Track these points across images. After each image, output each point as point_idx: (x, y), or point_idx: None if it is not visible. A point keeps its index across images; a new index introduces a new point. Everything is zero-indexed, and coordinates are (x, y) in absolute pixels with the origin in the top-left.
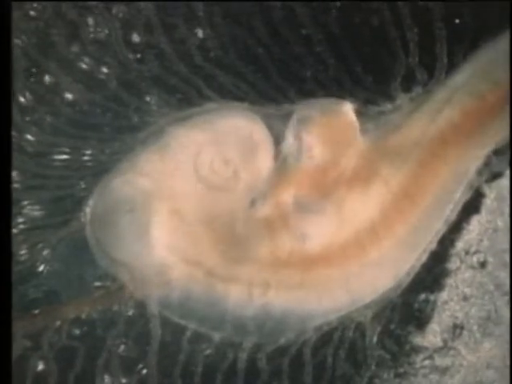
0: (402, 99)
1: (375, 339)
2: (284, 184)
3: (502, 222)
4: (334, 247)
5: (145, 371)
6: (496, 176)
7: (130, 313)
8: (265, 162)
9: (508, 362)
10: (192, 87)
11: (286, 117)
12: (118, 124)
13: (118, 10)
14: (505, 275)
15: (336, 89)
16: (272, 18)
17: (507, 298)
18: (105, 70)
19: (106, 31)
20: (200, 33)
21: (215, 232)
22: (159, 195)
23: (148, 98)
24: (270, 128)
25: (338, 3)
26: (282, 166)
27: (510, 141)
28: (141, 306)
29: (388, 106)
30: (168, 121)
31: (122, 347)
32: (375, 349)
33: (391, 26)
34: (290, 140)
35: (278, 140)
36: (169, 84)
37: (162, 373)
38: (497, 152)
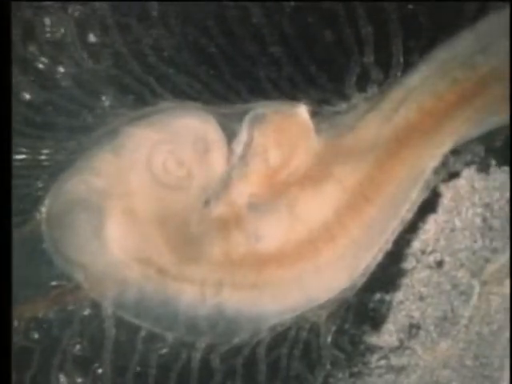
0: (357, 99)
1: (330, 339)
2: (237, 184)
3: (459, 222)
4: (288, 247)
5: (100, 371)
6: (453, 176)
7: (86, 312)
8: (218, 161)
9: (465, 362)
10: (146, 87)
11: (240, 116)
12: (74, 124)
13: (74, 9)
14: (461, 275)
15: (290, 89)
16: (225, 18)
17: (464, 297)
18: (61, 69)
19: (62, 31)
20: (154, 32)
21: (169, 231)
22: (113, 195)
23: (103, 98)
24: (223, 128)
25: (292, 3)
26: (236, 165)
27: (510, 140)
28: (96, 305)
29: (343, 106)
30: (122, 120)
31: (78, 347)
32: (330, 349)
33: (346, 25)
34: (243, 140)
35: (231, 140)
36: (123, 84)
37: (116, 372)
38: (454, 152)
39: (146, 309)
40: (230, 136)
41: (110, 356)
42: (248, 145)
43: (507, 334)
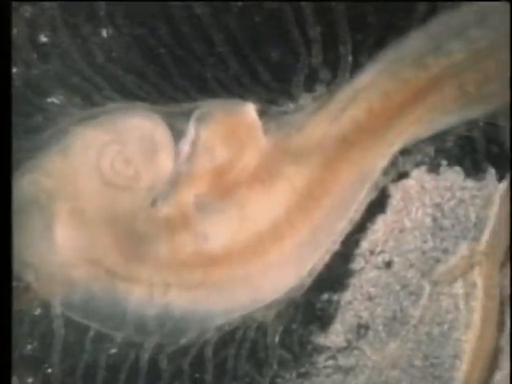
0: (305, 99)
1: (277, 339)
2: (184, 183)
3: (408, 222)
4: (236, 247)
5: (49, 371)
6: (402, 176)
7: (36, 312)
8: (166, 161)
9: (414, 362)
10: (94, 87)
11: (187, 116)
12: (24, 123)
13: (24, 9)
14: (411, 275)
15: (238, 88)
16: (173, 18)
17: (414, 297)
18: (12, 69)
19: (14, 31)
20: (103, 32)
21: (117, 232)
22: (62, 195)
23: (52, 98)
24: (171, 127)
25: (240, 3)
26: (183, 165)
27: (510, 140)
28: (46, 305)
29: (290, 106)
30: (71, 121)
31: (29, 347)
32: (277, 349)
33: (294, 25)
34: (190, 139)
35: (179, 139)
36: (72, 84)
37: (65, 372)
38: (404, 152)
39: (95, 309)
40: (178, 135)
41: (60, 356)
42: (195, 144)
43: (457, 335)
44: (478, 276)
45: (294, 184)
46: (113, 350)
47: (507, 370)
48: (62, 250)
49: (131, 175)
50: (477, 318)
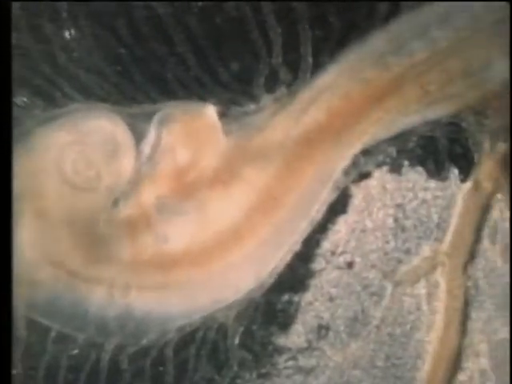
0: (266, 100)
1: (237, 340)
2: (146, 184)
3: (370, 223)
4: (197, 248)
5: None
6: (364, 176)
7: None
8: (127, 162)
9: (376, 363)
10: (57, 88)
11: (149, 117)
12: None
13: None
14: (372, 276)
15: (198, 89)
16: (134, 19)
17: (375, 298)
18: None
19: None
20: (65, 33)
21: (78, 232)
22: (25, 196)
23: (15, 99)
24: (132, 128)
25: (200, 3)
26: (144, 166)
27: (510, 140)
28: None
29: (251, 107)
30: (34, 122)
31: None
32: (237, 349)
33: (254, 26)
34: (151, 140)
35: (140, 140)
36: (35, 85)
37: (27, 373)
38: (365, 152)
39: (57, 310)
40: (139, 136)
41: (21, 357)
42: (156, 145)
43: (419, 335)
44: (440, 277)
45: (254, 185)
46: (74, 351)
47: (469, 372)
48: (25, 251)
49: (92, 176)
50: (439, 318)
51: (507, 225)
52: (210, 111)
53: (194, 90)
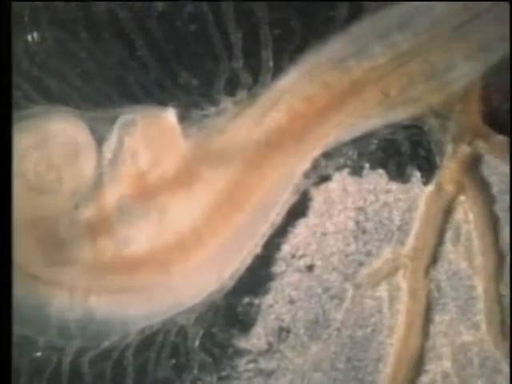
0: (226, 103)
1: (198, 342)
2: (107, 187)
3: (331, 226)
4: (158, 251)
5: None
6: (324, 179)
7: None
8: (88, 165)
9: (337, 365)
10: (19, 91)
11: (110, 121)
12: None
13: None
14: (333, 278)
15: (159, 93)
16: (95, 22)
17: (336, 301)
18: None
19: None
20: (27, 37)
21: (39, 235)
22: None
23: None
24: (93, 132)
25: (160, 7)
26: (105, 169)
27: (510, 142)
28: None
29: (212, 110)
30: None
31: None
32: (198, 352)
33: (214, 29)
34: (113, 143)
35: (101, 143)
36: None
37: None
38: (326, 155)
39: (18, 313)
40: (101, 140)
41: None
42: (118, 149)
43: (381, 338)
44: (402, 279)
45: (215, 188)
46: (36, 354)
47: (432, 375)
48: None
49: (54, 179)
50: (401, 321)
51: (470, 227)
52: (171, 115)
53: (155, 93)
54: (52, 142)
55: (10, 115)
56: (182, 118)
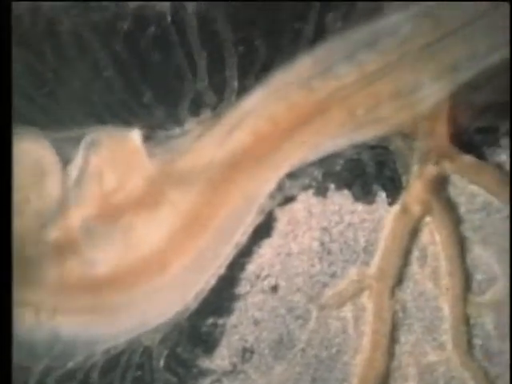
0: (191, 123)
1: (162, 363)
2: (73, 208)
3: (295, 246)
4: (123, 271)
5: None
6: (289, 200)
7: None
8: (54, 186)
9: None
10: None
11: (76, 141)
12: None
13: None
14: (297, 299)
15: (124, 113)
16: (60, 42)
17: (300, 321)
18: None
19: None
20: None
21: None
22: None
23: None
24: (59, 152)
25: (126, 27)
26: (71, 189)
27: (510, 144)
28: None
29: (176, 130)
30: None
31: None
32: (162, 372)
33: (179, 49)
34: (78, 164)
35: (67, 164)
36: None
37: None
38: (290, 175)
39: None
40: (66, 160)
41: None
42: (83, 169)
43: (346, 358)
44: (367, 300)
45: (179, 208)
46: None
47: None
48: None
49: (20, 200)
50: (366, 341)
51: (437, 248)
52: (136, 135)
53: (120, 113)
54: (18, 162)
55: (10, 121)
56: (147, 139)
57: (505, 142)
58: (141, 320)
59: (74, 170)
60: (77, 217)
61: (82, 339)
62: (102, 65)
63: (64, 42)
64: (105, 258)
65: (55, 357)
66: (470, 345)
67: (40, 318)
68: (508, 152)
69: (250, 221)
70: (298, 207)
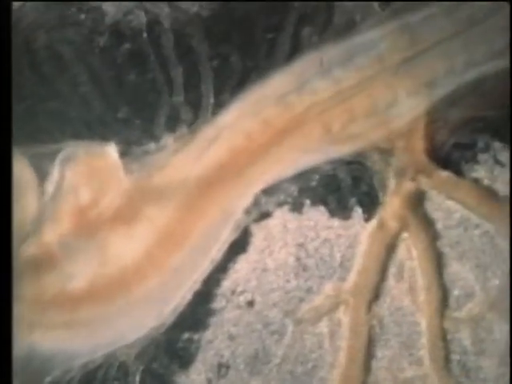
0: (167, 139)
1: (138, 378)
2: (49, 223)
3: (271, 262)
4: (100, 286)
5: None
6: (265, 215)
7: None
8: (31, 201)
9: None
10: None
11: (52, 157)
12: None
13: None
14: (273, 314)
15: (101, 129)
16: (36, 57)
17: (276, 336)
18: None
19: None
20: None
21: None
22: None
23: None
24: (35, 167)
25: (102, 42)
26: (48, 205)
27: (510, 147)
28: None
29: (152, 146)
30: None
31: None
32: None
33: (155, 64)
34: (55, 179)
35: (43, 180)
36: None
37: None
38: (266, 191)
39: None
40: (43, 176)
41: None
42: (59, 184)
43: (322, 373)
44: (343, 315)
45: (155, 223)
46: None
47: None
48: None
49: None
50: (342, 356)
51: (414, 263)
52: (112, 150)
53: (97, 129)
54: None
55: (10, 123)
56: (124, 154)
57: (482, 157)
58: (117, 335)
59: (50, 185)
60: (54, 232)
61: (59, 354)
62: (79, 80)
63: (41, 58)
64: (82, 273)
65: (33, 372)
66: (447, 360)
67: (18, 334)
68: (485, 167)
69: (226, 236)
70: (273, 223)
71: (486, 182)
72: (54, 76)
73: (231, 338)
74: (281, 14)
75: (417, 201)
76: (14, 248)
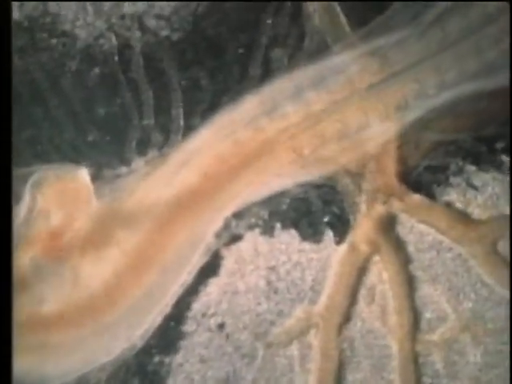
0: (138, 162)
1: None
2: (21, 247)
3: (241, 285)
4: (70, 310)
5: None
6: (235, 239)
7: None
8: None
9: None
10: None
11: (23, 180)
12: None
13: None
14: (244, 337)
15: (72, 152)
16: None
17: (247, 359)
18: None
19: None
20: None
21: None
22: None
23: None
24: None
25: (74, 66)
26: (20, 228)
27: (510, 150)
28: None
29: (123, 170)
30: None
31: None
32: None
33: (126, 88)
34: (26, 203)
35: (16, 203)
36: None
37: None
38: (237, 215)
39: None
40: (15, 199)
41: None
42: (31, 208)
43: None
44: (314, 338)
45: (126, 247)
46: None
47: None
48: None
49: None
50: (313, 379)
51: (385, 287)
52: (83, 174)
53: (68, 152)
54: None
55: (10, 126)
56: (95, 178)
57: (455, 180)
58: (89, 358)
59: (21, 209)
60: (25, 255)
61: (31, 377)
62: (50, 104)
63: (15, 82)
64: (53, 297)
65: None
66: (418, 383)
67: None
68: (458, 190)
69: (197, 260)
70: (244, 246)
71: (458, 205)
72: (25, 99)
73: (202, 361)
74: (252, 36)
75: (388, 224)
76: None
